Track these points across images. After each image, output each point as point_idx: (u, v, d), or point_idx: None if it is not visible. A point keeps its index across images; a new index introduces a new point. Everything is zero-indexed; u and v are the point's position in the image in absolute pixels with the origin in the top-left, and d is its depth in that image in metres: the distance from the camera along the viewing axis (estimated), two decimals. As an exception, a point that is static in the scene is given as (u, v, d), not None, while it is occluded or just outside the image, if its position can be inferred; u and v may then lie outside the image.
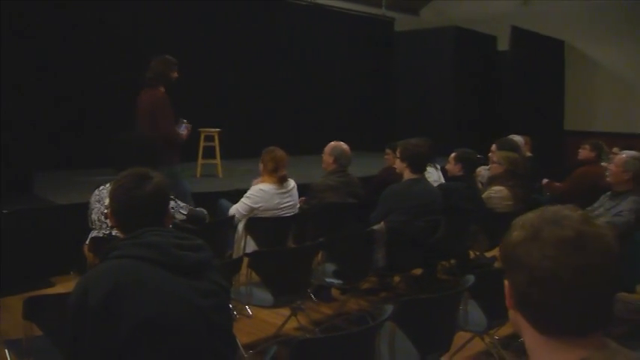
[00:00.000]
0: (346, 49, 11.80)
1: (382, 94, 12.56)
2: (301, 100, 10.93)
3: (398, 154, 4.54)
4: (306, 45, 11.02)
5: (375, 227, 4.32)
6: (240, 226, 4.49)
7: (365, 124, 11.93)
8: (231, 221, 4.52)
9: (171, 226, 2.32)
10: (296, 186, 4.79)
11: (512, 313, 1.18)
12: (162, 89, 5.23)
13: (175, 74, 5.29)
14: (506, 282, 1.17)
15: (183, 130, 5.29)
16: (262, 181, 4.65)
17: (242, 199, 4.64)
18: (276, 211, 4.60)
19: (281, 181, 4.58)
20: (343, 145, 5.06)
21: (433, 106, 11.69)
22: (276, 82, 10.26)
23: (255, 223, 4.45)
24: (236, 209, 4.61)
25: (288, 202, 4.67)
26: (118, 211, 2.04)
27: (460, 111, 11.64)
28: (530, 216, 1.17)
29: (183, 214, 3.85)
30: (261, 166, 4.71)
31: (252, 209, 4.57)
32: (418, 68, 12.11)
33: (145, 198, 1.99)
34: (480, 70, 12.14)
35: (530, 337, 1.16)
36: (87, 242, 3.49)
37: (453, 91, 11.60)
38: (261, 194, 4.58)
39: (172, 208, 3.69)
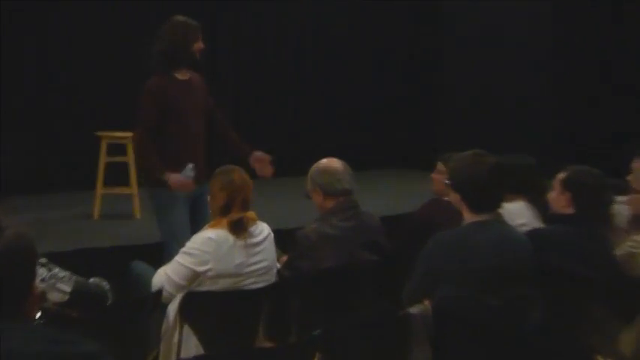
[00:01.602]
0: (371, 29, 9.58)
1: (424, 89, 10.01)
2: (305, 99, 8.93)
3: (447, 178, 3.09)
4: (314, 28, 9.07)
5: (413, 309, 2.92)
6: (172, 309, 3.00)
7: (398, 131, 9.72)
8: (156, 301, 3.00)
9: (39, 314, 1.99)
10: (271, 234, 3.17)
11: None
12: None
13: None
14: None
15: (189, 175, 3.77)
16: (212, 226, 3.09)
17: (176, 258, 3.08)
18: (236, 279, 3.02)
19: (235, 228, 2.99)
20: (327, 163, 3.38)
21: (506, 100, 8.45)
22: (269, 76, 8.37)
23: (199, 302, 3.01)
24: (166, 277, 3.03)
25: (257, 262, 3.07)
26: None
27: (560, 103, 8.04)
28: None
29: (65, 292, 2.81)
30: (208, 199, 3.15)
31: (194, 275, 2.98)
32: (480, 49, 8.74)
33: None
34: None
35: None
36: None
37: (546, 74, 8.10)
38: (210, 247, 2.98)
39: (43, 279, 2.76)
